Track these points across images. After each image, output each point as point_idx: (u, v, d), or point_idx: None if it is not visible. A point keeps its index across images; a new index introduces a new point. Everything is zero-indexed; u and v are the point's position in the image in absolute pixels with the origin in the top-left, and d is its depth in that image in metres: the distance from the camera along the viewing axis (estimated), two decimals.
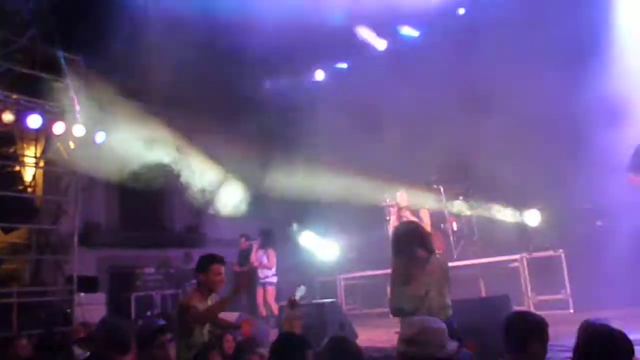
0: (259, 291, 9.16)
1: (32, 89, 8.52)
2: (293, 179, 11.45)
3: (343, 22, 9.55)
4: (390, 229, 8.47)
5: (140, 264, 10.90)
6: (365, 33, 10.54)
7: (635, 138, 6.25)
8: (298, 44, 9.07)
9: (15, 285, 8.51)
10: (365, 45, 10.76)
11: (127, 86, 10.71)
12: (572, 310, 6.96)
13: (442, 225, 8.72)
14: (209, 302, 4.22)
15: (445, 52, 9.16)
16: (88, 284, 9.49)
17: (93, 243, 11.34)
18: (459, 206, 8.96)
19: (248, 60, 9.62)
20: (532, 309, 6.86)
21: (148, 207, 13.28)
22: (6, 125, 8.29)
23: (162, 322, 3.38)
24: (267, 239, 9.30)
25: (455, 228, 8.79)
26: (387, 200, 8.87)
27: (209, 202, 10.81)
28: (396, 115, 9.61)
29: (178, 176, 12.53)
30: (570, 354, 2.25)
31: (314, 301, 6.95)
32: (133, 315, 9.79)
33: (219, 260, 4.26)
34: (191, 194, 12.56)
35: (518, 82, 7.97)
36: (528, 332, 2.67)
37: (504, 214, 8.65)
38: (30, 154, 9.53)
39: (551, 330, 3.33)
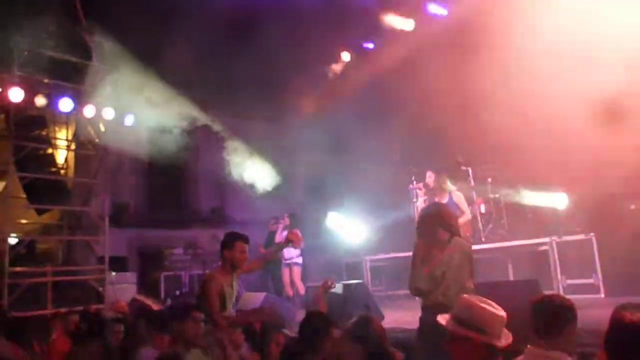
0: (285, 271, 9.25)
1: (63, 73, 8.66)
2: (319, 160, 11.47)
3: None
4: (417, 211, 8.44)
5: (167, 244, 11.12)
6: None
7: None
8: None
9: (49, 264, 8.77)
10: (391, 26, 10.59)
11: (157, 68, 10.84)
12: (602, 295, 6.84)
13: (469, 207, 8.61)
14: (233, 279, 4.32)
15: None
16: (118, 264, 9.73)
17: (122, 224, 11.59)
18: (488, 188, 8.81)
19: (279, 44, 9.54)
20: (562, 293, 6.77)
21: (174, 188, 13.51)
22: (38, 109, 8.48)
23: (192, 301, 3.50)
24: (294, 221, 9.36)
25: (483, 210, 8.68)
26: (414, 183, 8.81)
27: (236, 182, 10.88)
28: (424, 97, 9.44)
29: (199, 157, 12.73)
30: (598, 340, 2.18)
31: (341, 282, 6.99)
32: (162, 295, 10.02)
33: (244, 238, 4.38)
34: (217, 174, 12.75)
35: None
36: (558, 315, 2.62)
37: (533, 197, 8.49)
38: (62, 136, 9.72)
39: (580, 315, 3.28)
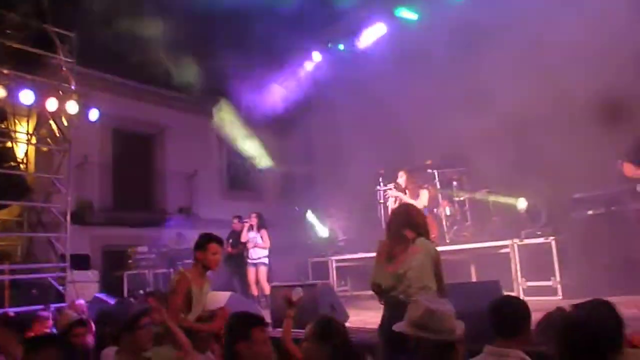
0: (251, 270, 9.20)
1: (25, 65, 8.43)
2: (289, 160, 11.46)
3: None
4: (384, 212, 8.52)
5: (133, 243, 10.92)
6: None
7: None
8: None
9: (7, 262, 8.50)
10: None
11: (121, 63, 10.64)
12: (560, 297, 7.03)
13: (435, 209, 8.75)
14: (205, 281, 4.28)
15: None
16: (80, 262, 9.51)
17: (86, 222, 11.33)
18: (453, 191, 8.98)
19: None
20: (522, 295, 6.94)
21: (141, 186, 13.29)
22: None
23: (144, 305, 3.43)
24: (261, 221, 9.33)
25: (448, 213, 8.83)
26: (381, 184, 8.89)
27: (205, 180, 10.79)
28: (393, 100, 9.54)
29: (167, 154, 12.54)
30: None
31: (307, 282, 6.99)
32: (125, 293, 9.82)
33: (217, 240, 4.35)
34: (186, 172, 12.60)
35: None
36: (514, 316, 2.73)
37: (497, 200, 8.69)
38: (22, 130, 9.45)
39: (539, 316, 3.38)
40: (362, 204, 9.83)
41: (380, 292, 3.84)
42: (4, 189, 8.31)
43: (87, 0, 8.59)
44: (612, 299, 4.72)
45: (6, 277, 7.94)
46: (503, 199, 8.57)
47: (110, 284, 10.42)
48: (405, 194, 7.87)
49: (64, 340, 3.80)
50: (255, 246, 9.17)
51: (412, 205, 4.89)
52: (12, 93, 8.09)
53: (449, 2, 9.59)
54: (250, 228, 9.32)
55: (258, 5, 8.86)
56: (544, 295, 7.04)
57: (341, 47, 11.72)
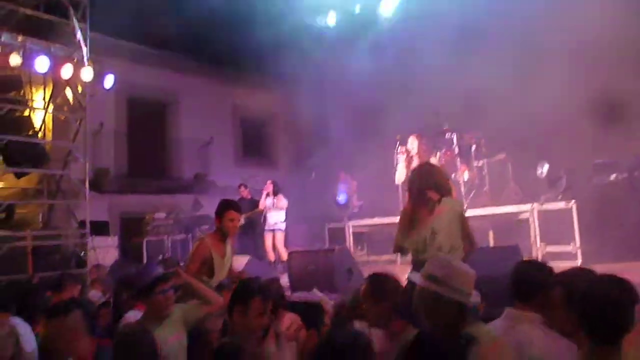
0: (268, 236, 9.27)
1: (38, 32, 8.35)
2: (303, 126, 11.35)
3: None
4: (398, 176, 8.44)
5: (150, 209, 11.03)
6: None
7: None
8: None
9: (29, 229, 8.64)
10: None
11: (135, 29, 10.52)
12: (580, 262, 6.97)
13: (453, 175, 8.64)
14: (227, 246, 4.31)
15: None
16: (99, 229, 9.64)
17: (103, 189, 11.47)
18: (472, 155, 8.83)
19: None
20: (540, 259, 6.89)
21: (156, 154, 13.36)
22: (13, 69, 8.18)
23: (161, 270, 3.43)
24: (277, 187, 9.34)
25: (466, 178, 8.72)
26: (398, 148, 8.79)
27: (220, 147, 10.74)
28: (412, 58, 9.31)
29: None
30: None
31: (324, 247, 7.02)
32: (145, 260, 9.99)
33: (235, 206, 4.38)
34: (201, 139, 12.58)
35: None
36: (536, 279, 2.65)
37: (516, 166, 8.55)
38: (39, 98, 9.45)
39: None
40: (379, 169, 9.73)
41: (403, 253, 3.84)
42: (23, 157, 8.35)
43: None
44: (631, 264, 4.68)
45: (28, 244, 8.07)
46: (523, 165, 8.43)
47: (129, 251, 10.60)
48: (412, 160, 7.81)
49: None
50: (273, 208, 9.20)
51: (433, 165, 4.77)
52: (27, 61, 8.05)
53: None
54: (267, 195, 9.35)
55: None
56: (563, 260, 6.97)
57: (357, 8, 11.46)
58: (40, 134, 9.36)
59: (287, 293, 5.10)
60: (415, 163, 7.66)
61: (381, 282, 2.91)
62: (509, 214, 7.93)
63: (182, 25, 10.29)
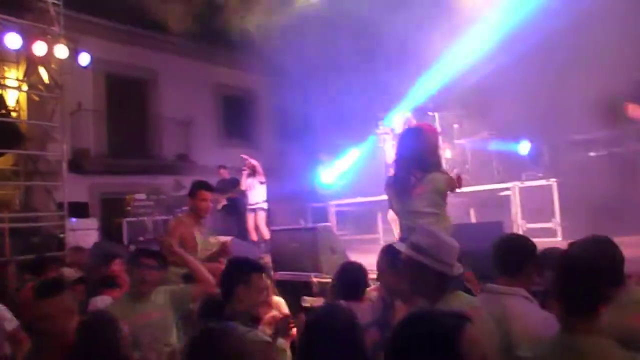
0: (250, 216, 9.20)
1: (9, 8, 8.09)
2: (286, 106, 11.23)
3: None
4: (384, 155, 8.43)
5: (130, 190, 10.89)
6: None
7: None
8: None
9: (6, 211, 8.47)
10: None
11: (111, 6, 10.24)
12: (560, 239, 7.06)
13: None
14: (202, 227, 4.27)
15: None
16: (79, 210, 9.49)
17: (83, 170, 11.28)
18: (454, 134, 8.85)
19: None
20: None
21: (137, 133, 13.14)
22: None
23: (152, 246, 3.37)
24: (255, 167, 9.25)
25: (448, 156, 8.74)
26: (381, 127, 8.75)
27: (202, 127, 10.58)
28: (400, 40, 9.23)
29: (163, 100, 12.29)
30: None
31: (307, 225, 6.99)
32: (125, 240, 9.87)
33: (206, 186, 4.38)
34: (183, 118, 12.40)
35: None
36: (518, 253, 2.66)
37: (498, 143, 8.59)
38: (12, 76, 9.19)
39: None
40: (362, 148, 9.71)
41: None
42: None
43: None
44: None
45: (6, 226, 7.91)
46: (504, 142, 8.46)
47: (110, 232, 10.47)
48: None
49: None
50: (254, 185, 9.09)
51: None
52: None
53: None
54: (248, 174, 9.26)
55: None
56: (543, 236, 7.05)
57: None
58: (14, 114, 9.14)
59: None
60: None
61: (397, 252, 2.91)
62: (491, 191, 7.97)
63: (161, 2, 10.04)
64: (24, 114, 9.68)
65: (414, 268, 2.36)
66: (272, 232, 7.06)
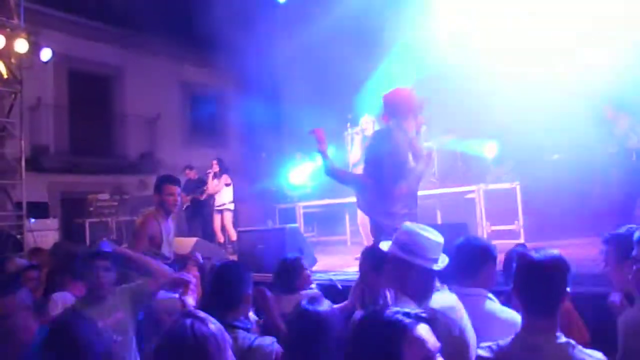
0: (216, 217, 9.10)
1: None
2: (253, 105, 11.15)
3: None
4: (351, 156, 8.42)
5: (93, 190, 10.61)
6: None
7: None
8: None
9: None
10: None
11: (76, 1, 9.97)
12: (522, 240, 7.20)
13: None
14: (170, 223, 4.19)
15: None
16: (38, 210, 9.20)
17: (42, 168, 10.94)
18: (421, 136, 8.91)
19: None
20: (486, 238, 7.08)
21: (100, 131, 12.83)
22: None
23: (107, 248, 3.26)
24: (223, 166, 9.13)
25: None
26: (349, 127, 8.76)
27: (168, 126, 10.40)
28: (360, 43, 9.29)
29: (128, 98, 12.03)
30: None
31: (275, 226, 6.94)
32: (88, 242, 9.61)
33: (172, 180, 4.28)
34: (148, 116, 12.15)
35: None
36: (477, 254, 2.71)
37: (464, 146, 8.70)
38: None
39: (501, 258, 3.41)
40: (330, 148, 9.68)
41: None
42: None
43: None
44: (570, 241, 4.85)
45: None
46: (470, 145, 8.59)
47: (71, 232, 10.18)
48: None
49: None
50: (216, 191, 9.01)
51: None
52: None
53: None
54: (214, 176, 9.15)
55: None
56: (507, 238, 7.19)
57: None
58: None
59: None
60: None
61: (376, 251, 2.96)
62: (456, 194, 8.08)
63: None
64: None
65: (400, 266, 2.35)
66: (239, 233, 6.99)
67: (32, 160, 10.25)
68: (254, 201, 10.75)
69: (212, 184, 9.13)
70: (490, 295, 2.63)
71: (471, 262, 2.66)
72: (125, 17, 10.68)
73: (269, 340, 2.42)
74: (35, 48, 8.51)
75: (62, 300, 3.46)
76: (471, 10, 7.97)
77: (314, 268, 5.90)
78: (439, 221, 8.23)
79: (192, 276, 3.28)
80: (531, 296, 1.97)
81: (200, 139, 14.33)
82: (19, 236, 8.37)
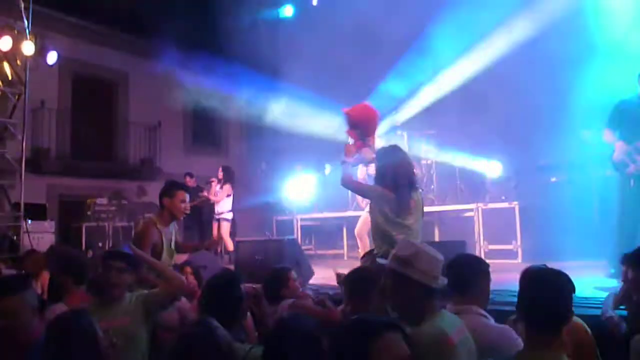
0: (214, 226, 9.07)
1: None
2: (257, 115, 11.18)
3: None
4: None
5: (91, 194, 10.59)
6: None
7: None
8: None
9: None
10: None
11: (82, 5, 10.03)
12: (520, 261, 7.21)
13: None
14: (173, 231, 4.15)
15: None
16: (36, 212, 9.17)
17: (42, 170, 10.93)
18: (421, 153, 8.95)
19: None
20: (483, 257, 7.07)
21: (102, 136, 12.84)
22: None
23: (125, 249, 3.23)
24: (228, 175, 9.10)
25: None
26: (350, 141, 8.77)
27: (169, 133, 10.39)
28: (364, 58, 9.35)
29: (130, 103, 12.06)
30: (514, 298, 2.27)
31: (273, 237, 6.92)
32: (84, 246, 9.58)
33: (183, 187, 4.22)
34: (150, 123, 12.16)
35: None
36: (469, 271, 2.71)
37: (463, 164, 8.74)
38: None
39: (499, 277, 3.41)
40: (329, 162, 9.71)
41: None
42: None
43: None
44: (569, 263, 4.85)
45: None
46: (469, 164, 8.62)
47: (67, 235, 10.15)
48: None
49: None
50: (218, 195, 8.99)
51: None
52: None
53: None
54: (218, 182, 9.14)
55: None
56: (504, 258, 7.20)
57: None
58: None
59: None
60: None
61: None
62: (455, 211, 8.10)
63: (134, 4, 9.91)
64: None
65: (397, 281, 2.31)
66: (237, 243, 6.97)
67: (32, 162, 10.25)
68: (252, 211, 10.73)
69: (214, 191, 9.11)
70: (483, 312, 2.62)
71: (462, 279, 2.63)
72: (132, 22, 10.74)
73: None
74: (41, 51, 8.55)
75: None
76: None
77: (311, 281, 5.89)
78: (437, 238, 8.24)
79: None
80: (536, 310, 1.97)
81: (201, 147, 14.35)
82: (15, 237, 8.32)
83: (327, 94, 10.08)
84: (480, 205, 7.76)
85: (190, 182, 9.96)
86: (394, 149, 3.99)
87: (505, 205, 7.62)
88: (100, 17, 11.41)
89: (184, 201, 4.11)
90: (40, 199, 10.17)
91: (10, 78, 8.54)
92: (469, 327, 2.43)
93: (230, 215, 9.01)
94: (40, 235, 8.77)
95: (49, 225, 9.33)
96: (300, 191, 10.22)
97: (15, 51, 8.20)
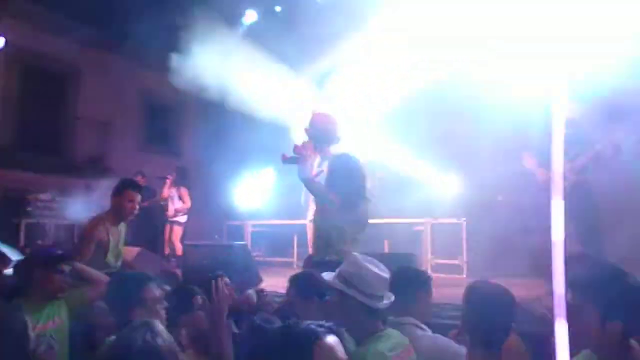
0: (166, 228, 8.87)
1: None
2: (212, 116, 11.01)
3: None
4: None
5: (34, 189, 10.13)
6: None
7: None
8: None
9: None
10: None
11: None
12: (464, 276, 7.39)
13: None
14: (121, 230, 4.03)
15: None
16: None
17: None
18: (375, 167, 9.04)
19: None
20: (430, 271, 7.21)
21: (49, 129, 12.35)
22: None
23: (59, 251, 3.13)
24: (182, 176, 8.92)
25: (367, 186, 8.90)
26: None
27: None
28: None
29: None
30: (457, 312, 2.33)
31: (223, 242, 6.81)
32: (22, 243, 9.13)
33: (135, 186, 4.10)
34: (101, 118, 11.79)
35: None
36: (410, 283, 2.76)
37: (416, 178, 8.89)
38: None
39: (444, 292, 3.49)
40: (283, 169, 9.66)
41: None
42: None
43: None
44: (510, 280, 5.01)
45: None
46: (422, 178, 8.77)
47: (4, 232, 9.65)
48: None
49: None
50: (175, 209, 8.80)
51: None
52: None
53: None
54: (170, 184, 8.94)
55: None
56: (450, 273, 7.37)
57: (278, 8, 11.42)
58: None
59: None
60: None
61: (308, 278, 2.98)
62: (405, 225, 8.23)
63: None
64: None
65: (341, 300, 2.26)
66: (186, 246, 6.84)
67: None
68: (203, 215, 10.55)
69: (166, 192, 8.90)
70: (419, 323, 2.66)
71: (403, 291, 2.62)
72: (90, 14, 10.41)
73: None
74: None
75: None
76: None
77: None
78: (386, 250, 8.33)
79: None
80: (479, 325, 2.02)
81: (154, 146, 14.02)
82: None
83: None
84: (430, 220, 7.92)
85: (142, 181, 9.68)
86: (347, 157, 4.00)
87: (454, 220, 7.81)
88: (55, 5, 11.00)
89: (132, 201, 4.01)
90: None
91: None
92: (412, 339, 2.47)
93: (183, 219, 8.85)
94: None
95: None
96: (251, 196, 10.15)
97: None
